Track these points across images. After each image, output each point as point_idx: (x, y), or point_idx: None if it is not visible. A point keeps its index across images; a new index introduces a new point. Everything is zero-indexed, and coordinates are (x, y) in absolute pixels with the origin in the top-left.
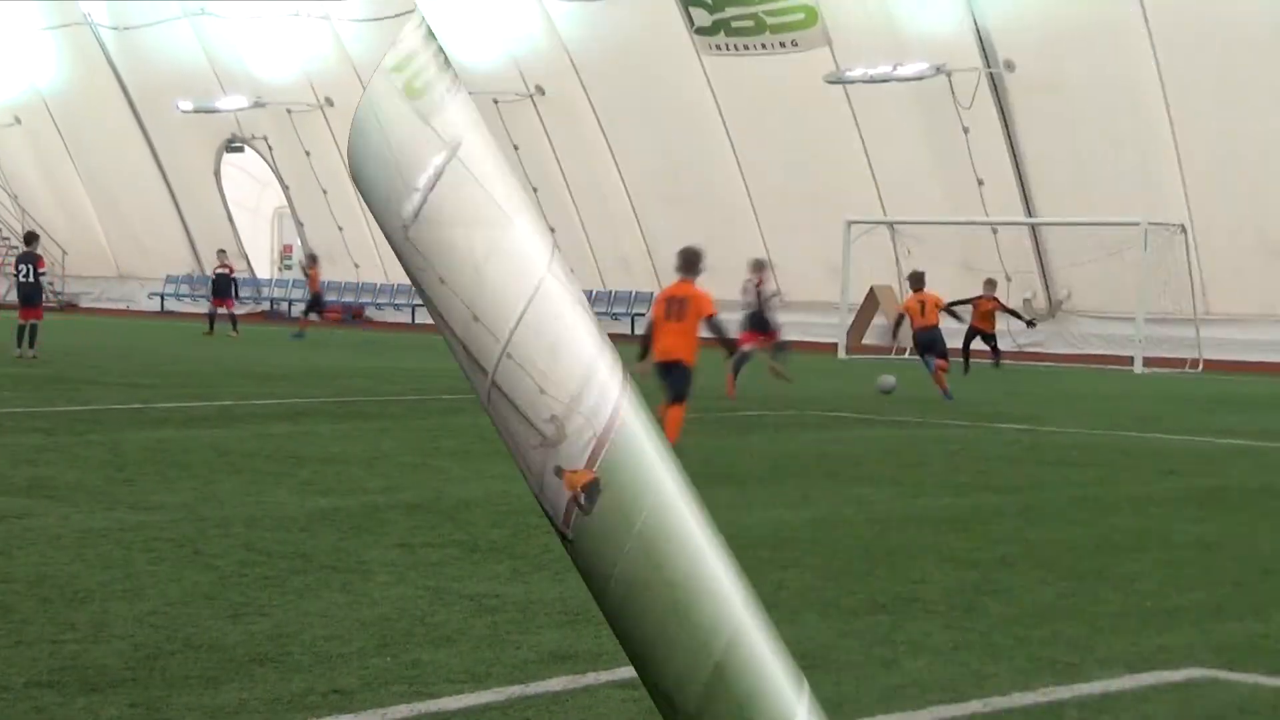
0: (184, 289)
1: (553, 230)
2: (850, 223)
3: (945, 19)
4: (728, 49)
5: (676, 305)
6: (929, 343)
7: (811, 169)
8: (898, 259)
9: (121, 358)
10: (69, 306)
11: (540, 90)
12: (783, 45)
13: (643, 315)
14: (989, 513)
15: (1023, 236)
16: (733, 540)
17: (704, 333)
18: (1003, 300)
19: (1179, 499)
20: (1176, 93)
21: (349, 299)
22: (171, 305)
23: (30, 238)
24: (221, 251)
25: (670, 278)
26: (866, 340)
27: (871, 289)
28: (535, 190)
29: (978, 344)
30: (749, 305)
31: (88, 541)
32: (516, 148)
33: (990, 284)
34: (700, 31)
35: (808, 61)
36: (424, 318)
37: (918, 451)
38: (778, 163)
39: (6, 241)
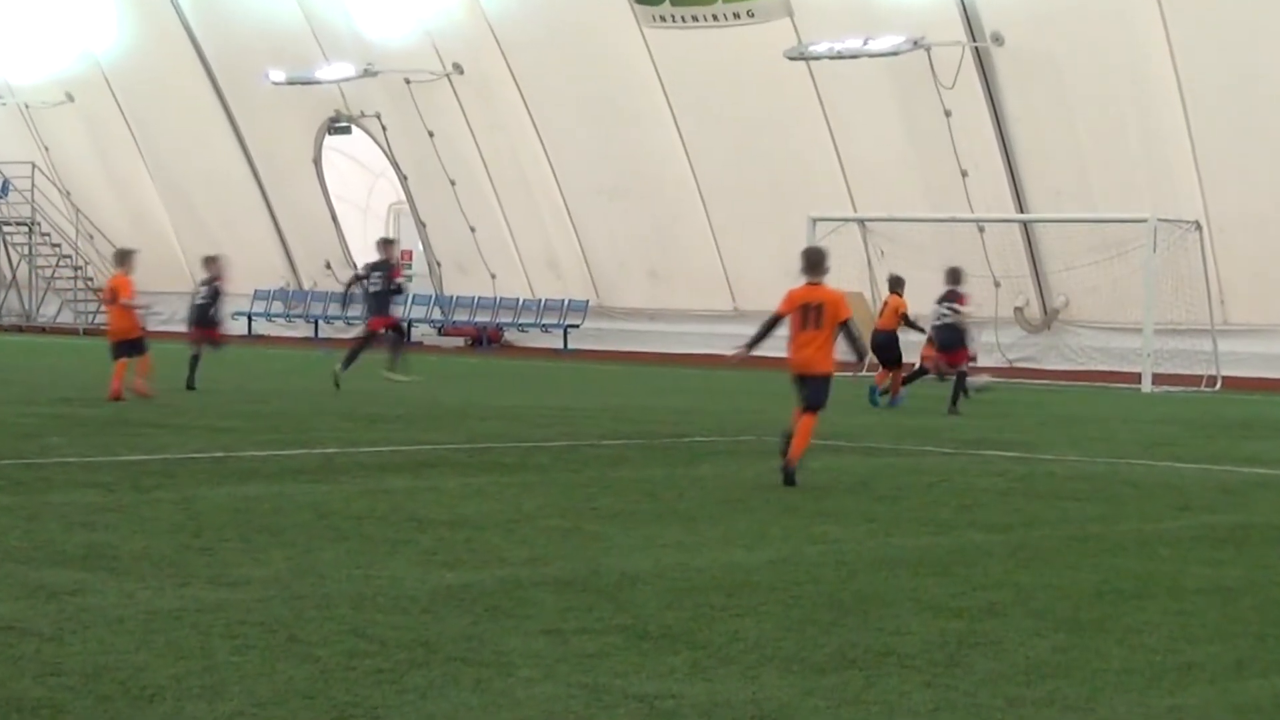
0: (277, 306)
1: (473, 229)
2: (815, 220)
3: None
4: (674, 20)
5: (814, 312)
6: (881, 346)
7: (770, 158)
8: (870, 261)
9: (198, 394)
10: None
11: (458, 68)
12: (737, 16)
13: (576, 327)
14: (974, 554)
15: (1013, 236)
16: (681, 585)
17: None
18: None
19: (1193, 538)
20: (1189, 70)
21: (483, 319)
22: (261, 327)
23: (385, 244)
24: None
25: (612, 282)
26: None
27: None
28: (453, 183)
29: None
30: (940, 316)
31: (156, 625)
32: (431, 134)
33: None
34: (643, 0)
35: (766, 35)
36: (579, 341)
37: (892, 483)
38: (732, 151)
39: (58, 249)
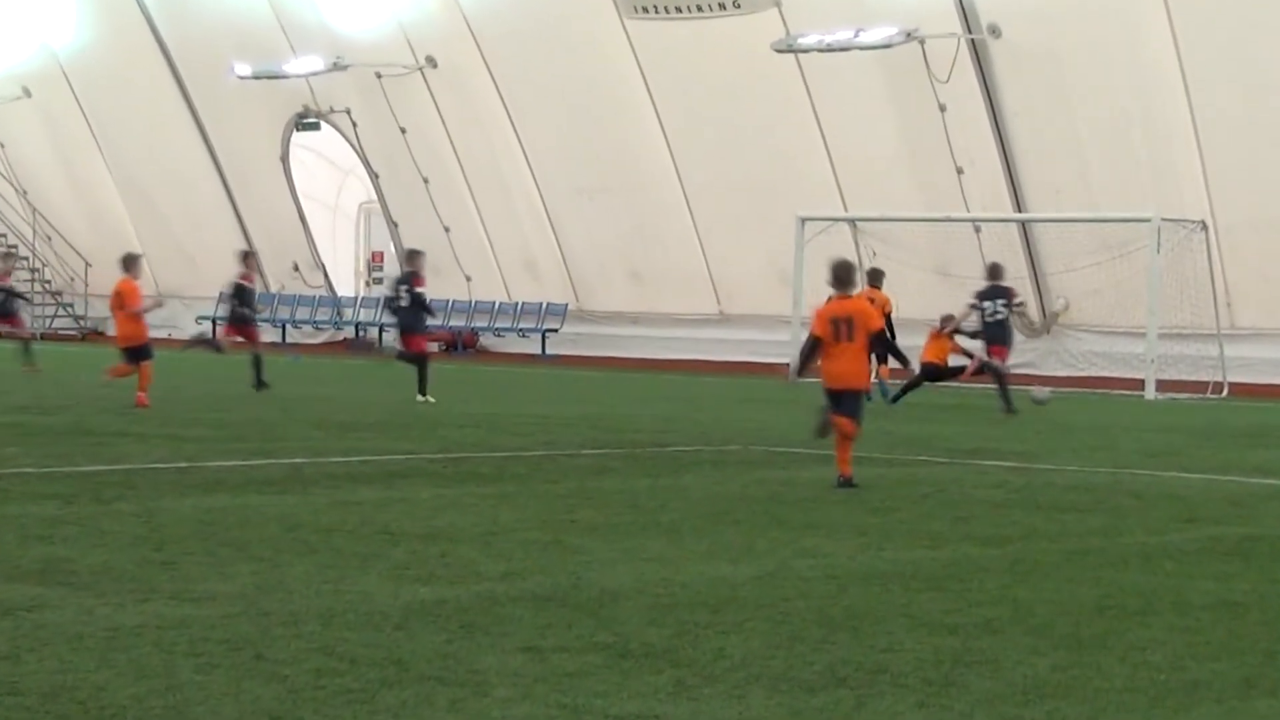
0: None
1: (447, 230)
2: (804, 219)
3: None
4: (657, 11)
5: (845, 325)
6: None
7: (757, 155)
8: (861, 263)
9: (161, 401)
10: (93, 335)
11: (432, 61)
12: (722, 6)
13: (555, 331)
14: (970, 568)
15: (1011, 236)
16: (664, 601)
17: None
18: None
19: (1199, 551)
20: (1195, 62)
21: (458, 323)
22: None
23: (411, 255)
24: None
25: (592, 285)
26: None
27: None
28: (426, 181)
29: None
30: (993, 314)
31: (117, 642)
32: (404, 130)
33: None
34: None
35: (753, 26)
36: (558, 346)
37: (885, 494)
38: (717, 148)
39: (14, 250)
